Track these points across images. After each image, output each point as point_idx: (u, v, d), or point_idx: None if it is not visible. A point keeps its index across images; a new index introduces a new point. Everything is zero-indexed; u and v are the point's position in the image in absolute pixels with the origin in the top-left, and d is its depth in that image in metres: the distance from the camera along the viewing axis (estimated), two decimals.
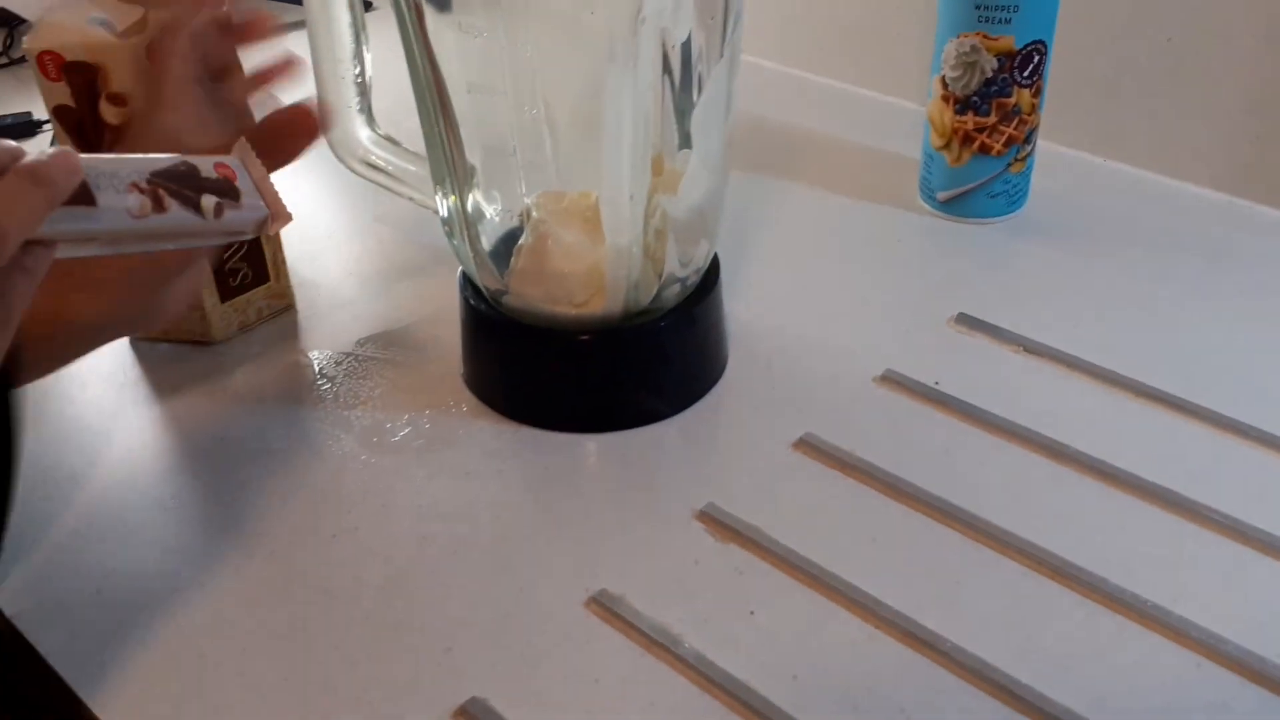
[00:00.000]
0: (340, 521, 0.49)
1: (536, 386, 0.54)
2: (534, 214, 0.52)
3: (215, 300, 0.60)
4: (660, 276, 0.52)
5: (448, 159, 0.51)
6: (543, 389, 0.54)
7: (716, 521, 0.48)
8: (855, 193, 0.75)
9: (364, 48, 0.54)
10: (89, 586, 0.46)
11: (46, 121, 0.88)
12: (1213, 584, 0.45)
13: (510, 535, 0.48)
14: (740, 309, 0.62)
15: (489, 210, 0.53)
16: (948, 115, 0.68)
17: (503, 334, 0.54)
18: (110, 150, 0.38)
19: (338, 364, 0.59)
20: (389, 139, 0.57)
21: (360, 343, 0.61)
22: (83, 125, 0.55)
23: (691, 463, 0.52)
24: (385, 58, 0.55)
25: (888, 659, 0.42)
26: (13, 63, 1.00)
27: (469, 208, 0.52)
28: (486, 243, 0.54)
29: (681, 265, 0.53)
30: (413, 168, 0.57)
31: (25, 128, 0.87)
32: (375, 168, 0.57)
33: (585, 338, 0.52)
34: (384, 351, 0.60)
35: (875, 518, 0.48)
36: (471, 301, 0.54)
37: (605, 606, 0.44)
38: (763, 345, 0.60)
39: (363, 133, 0.56)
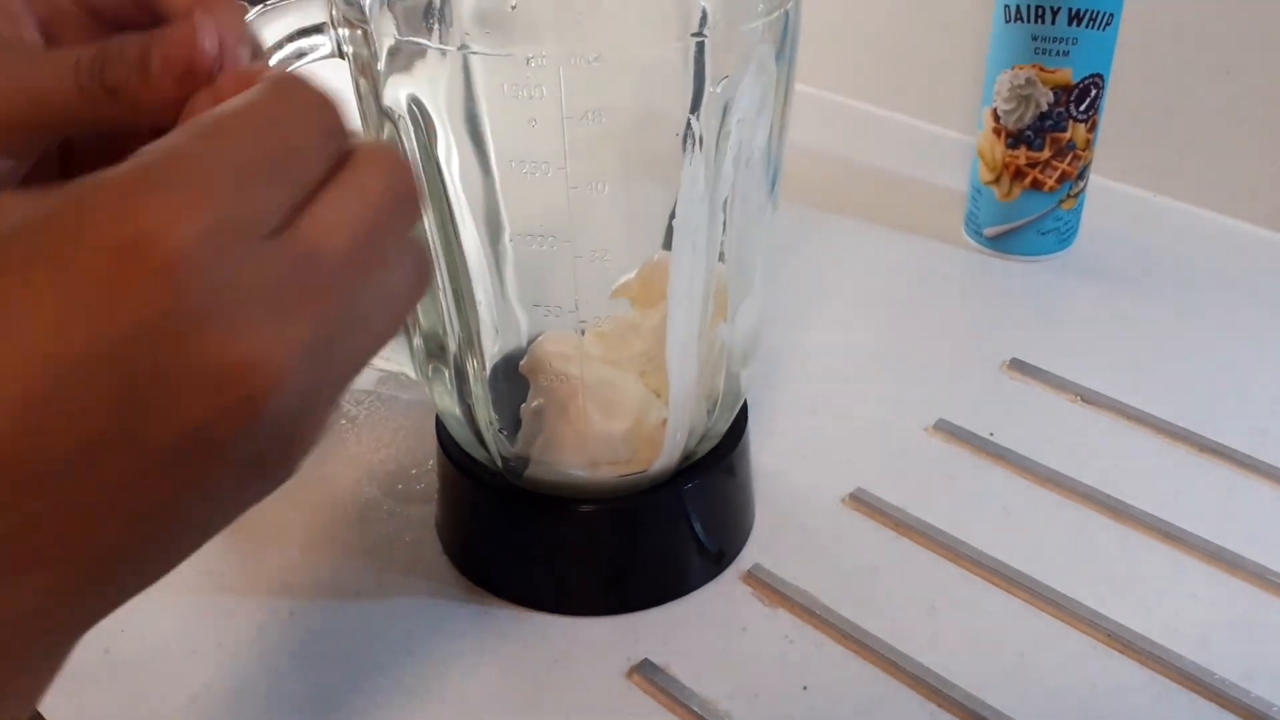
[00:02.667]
0: (367, 579, 0.46)
1: (559, 563, 0.45)
2: (552, 364, 0.42)
3: None
4: (710, 414, 0.45)
5: (449, 319, 0.41)
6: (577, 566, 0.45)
7: (764, 584, 0.45)
8: (898, 225, 0.72)
9: None
10: (97, 645, 0.43)
11: None
12: None
13: None
14: (779, 345, 0.60)
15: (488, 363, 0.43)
16: (999, 149, 0.65)
17: (519, 507, 0.44)
18: None
19: (359, 403, 0.57)
20: None
21: (383, 380, 0.58)
22: None
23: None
24: None
25: None
26: None
27: (471, 371, 0.43)
28: (492, 399, 0.43)
29: (731, 398, 0.45)
30: None
31: None
32: None
33: (606, 501, 0.44)
34: (406, 391, 0.57)
35: (933, 582, 0.46)
36: (463, 467, 0.45)
37: (648, 678, 0.41)
38: (805, 387, 0.57)
39: None
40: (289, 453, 0.23)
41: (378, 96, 0.37)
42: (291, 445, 0.23)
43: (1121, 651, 0.43)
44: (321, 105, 0.23)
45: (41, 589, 0.21)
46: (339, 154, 0.23)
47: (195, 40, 0.25)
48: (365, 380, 0.58)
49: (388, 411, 0.56)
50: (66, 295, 0.19)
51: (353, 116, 0.26)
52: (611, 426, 0.42)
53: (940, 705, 0.41)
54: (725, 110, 0.36)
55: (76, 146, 0.27)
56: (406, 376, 0.45)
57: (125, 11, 0.28)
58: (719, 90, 0.36)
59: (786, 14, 0.37)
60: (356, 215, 0.22)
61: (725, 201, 0.39)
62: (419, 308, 0.42)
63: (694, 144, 0.36)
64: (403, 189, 0.24)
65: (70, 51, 0.25)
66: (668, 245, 0.38)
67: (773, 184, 0.41)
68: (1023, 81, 0.62)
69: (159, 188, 0.19)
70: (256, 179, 0.21)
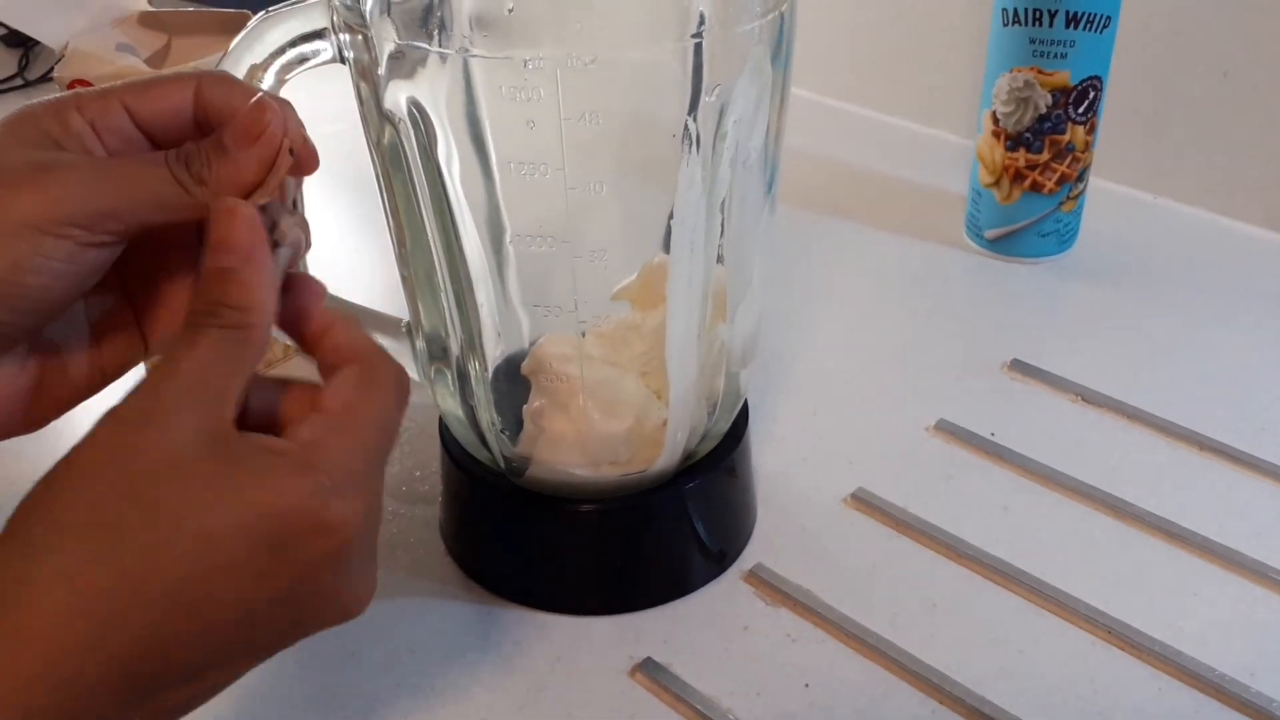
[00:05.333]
0: None
1: (562, 563, 0.46)
2: (553, 365, 0.42)
3: None
4: (711, 414, 0.45)
5: (451, 321, 0.42)
6: (567, 563, 0.46)
7: (766, 583, 0.45)
8: (898, 228, 0.73)
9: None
10: None
11: None
12: None
13: None
14: (781, 348, 0.60)
15: (491, 364, 0.43)
16: (998, 151, 0.65)
17: (521, 507, 0.45)
18: None
19: None
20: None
21: None
22: None
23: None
24: None
25: None
26: (28, 84, 0.98)
27: (473, 373, 0.43)
28: (494, 400, 0.43)
29: (731, 398, 0.46)
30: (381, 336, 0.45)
31: None
32: None
33: (608, 501, 0.44)
34: (412, 395, 0.58)
35: (934, 581, 0.46)
36: (466, 469, 0.46)
37: (650, 676, 0.42)
38: (807, 389, 0.57)
39: None
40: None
41: (378, 100, 0.37)
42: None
43: (1122, 648, 0.43)
44: (404, 383, 0.33)
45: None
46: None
47: (259, 109, 0.31)
48: None
49: None
50: (273, 560, 0.28)
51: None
52: (612, 426, 0.42)
53: (941, 701, 0.41)
54: (722, 112, 0.37)
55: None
56: (411, 379, 0.46)
57: (185, 134, 0.32)
58: (715, 93, 0.36)
59: (781, 16, 0.37)
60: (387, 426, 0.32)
61: (723, 202, 0.39)
62: (422, 309, 0.43)
63: (691, 145, 0.36)
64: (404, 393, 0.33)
65: (158, 154, 0.31)
66: (667, 247, 0.39)
67: (770, 185, 0.42)
68: (1021, 84, 0.63)
69: (335, 495, 0.28)
70: (381, 461, 0.32)
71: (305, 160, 0.32)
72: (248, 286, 0.29)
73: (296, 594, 0.28)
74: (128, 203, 0.30)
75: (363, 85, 0.38)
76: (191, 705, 0.29)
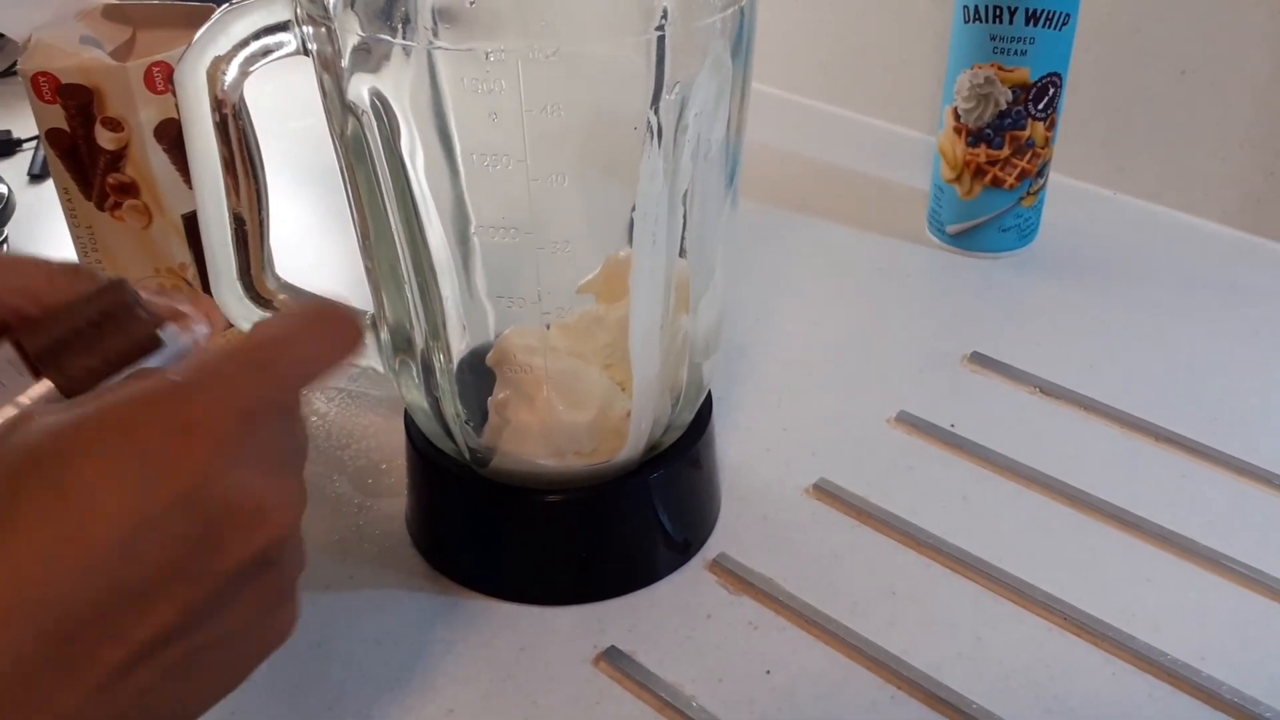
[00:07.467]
0: (337, 571, 0.47)
1: (527, 554, 0.46)
2: (518, 357, 0.42)
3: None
4: (675, 406, 0.45)
5: (415, 312, 0.42)
6: (536, 553, 0.46)
7: (729, 572, 0.46)
8: (861, 224, 0.73)
9: (255, 187, 0.41)
10: None
11: (26, 140, 0.86)
12: (1241, 641, 0.43)
13: None
14: (746, 341, 0.61)
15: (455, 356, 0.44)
16: (959, 147, 0.66)
17: (486, 498, 0.45)
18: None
19: (329, 399, 0.57)
20: (290, 287, 0.45)
21: (353, 378, 0.59)
22: (77, 150, 0.53)
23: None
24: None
25: None
26: None
27: (438, 365, 0.43)
28: (459, 392, 0.44)
29: (694, 389, 0.46)
30: None
31: (4, 146, 0.85)
32: None
33: (573, 491, 0.44)
34: (377, 388, 0.58)
35: (893, 569, 0.46)
36: (432, 460, 0.46)
37: (614, 665, 0.42)
38: (771, 381, 0.58)
39: (251, 291, 0.44)
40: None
41: (341, 92, 0.38)
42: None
43: (1076, 634, 0.44)
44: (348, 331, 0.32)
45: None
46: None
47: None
48: (336, 377, 0.59)
49: (357, 407, 0.57)
50: (144, 464, 0.26)
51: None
52: (576, 417, 0.43)
53: (899, 687, 0.41)
54: (683, 105, 0.37)
55: None
56: (375, 371, 0.46)
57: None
58: (675, 89, 0.37)
59: (742, 10, 0.38)
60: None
61: (685, 195, 0.39)
62: (386, 301, 0.43)
63: (652, 138, 0.37)
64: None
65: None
66: (631, 239, 0.39)
67: (731, 178, 0.42)
68: (982, 80, 0.64)
69: (199, 392, 0.27)
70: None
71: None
72: None
73: (189, 500, 0.26)
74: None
75: (326, 77, 0.38)
76: (154, 664, 0.27)
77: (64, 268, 0.32)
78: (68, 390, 0.30)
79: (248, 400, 0.28)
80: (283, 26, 0.38)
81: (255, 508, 0.28)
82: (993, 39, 0.62)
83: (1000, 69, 0.63)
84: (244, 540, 0.27)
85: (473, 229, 0.39)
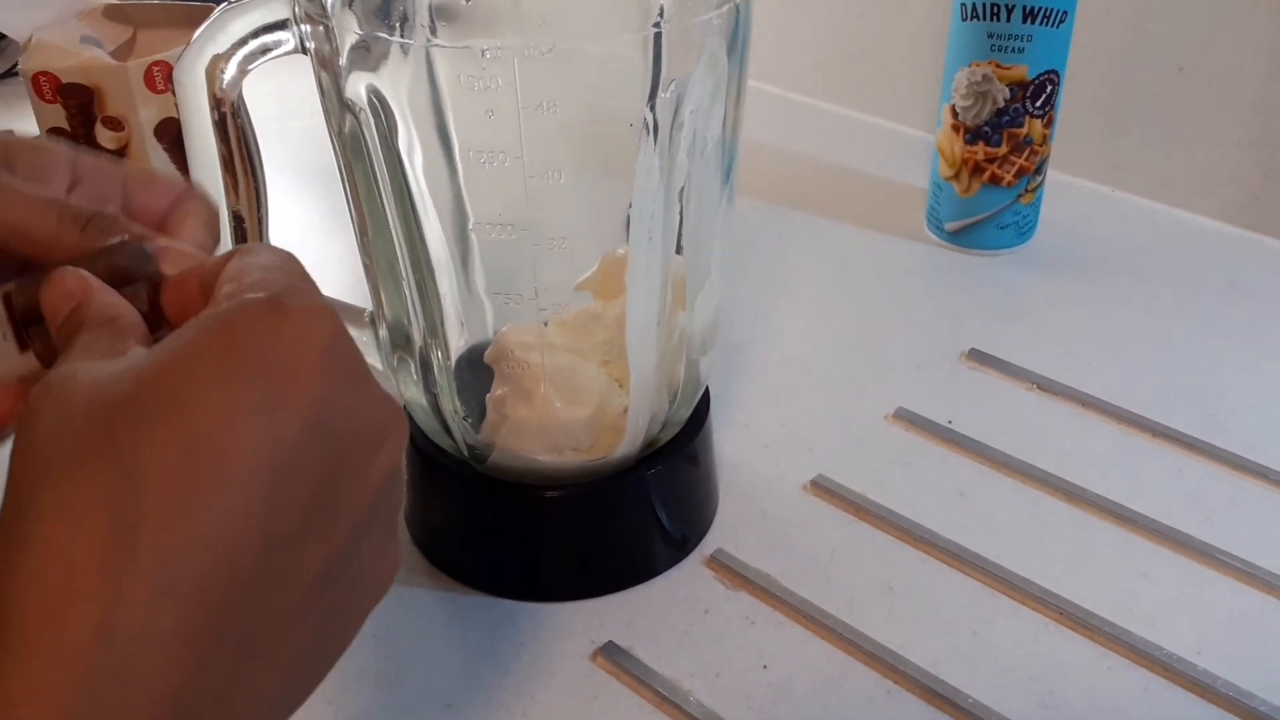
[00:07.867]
0: None
1: (525, 550, 0.46)
2: (515, 353, 0.43)
3: None
4: (672, 402, 0.46)
5: (413, 309, 0.42)
6: (534, 550, 0.46)
7: (727, 568, 0.46)
8: (860, 221, 0.73)
9: (254, 185, 0.41)
10: None
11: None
12: (1237, 635, 0.43)
13: None
14: (744, 338, 0.61)
15: (454, 353, 0.44)
16: (957, 145, 0.66)
17: (484, 495, 0.45)
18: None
19: None
20: None
21: None
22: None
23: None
24: None
25: (908, 716, 0.40)
26: None
27: (436, 361, 0.43)
28: (457, 389, 0.44)
29: (691, 386, 0.46)
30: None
31: None
32: None
33: (571, 487, 0.44)
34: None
35: (891, 564, 0.47)
36: (430, 457, 0.46)
37: (612, 660, 0.42)
38: (770, 378, 0.58)
39: None
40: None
41: (339, 90, 0.38)
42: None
43: (1073, 628, 0.44)
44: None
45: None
46: None
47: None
48: None
49: None
50: (270, 394, 0.23)
51: None
52: (574, 413, 0.43)
53: (896, 682, 0.42)
54: (679, 102, 0.37)
55: None
56: (374, 368, 0.46)
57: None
58: (670, 87, 0.37)
59: (737, 8, 0.38)
60: None
61: (681, 192, 0.40)
62: (384, 298, 0.43)
63: (649, 135, 0.37)
64: None
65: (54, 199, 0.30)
66: (627, 236, 0.39)
67: (728, 175, 0.42)
68: (980, 78, 0.64)
69: (293, 311, 0.24)
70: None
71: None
72: (94, 302, 0.28)
73: (318, 430, 0.24)
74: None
75: (324, 75, 0.38)
76: (305, 625, 0.25)
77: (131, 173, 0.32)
78: (47, 361, 0.28)
79: (327, 303, 0.25)
80: (281, 25, 0.38)
81: (375, 429, 0.26)
82: (990, 36, 0.62)
83: (998, 66, 0.63)
84: (373, 465, 0.25)
85: (470, 226, 0.40)
